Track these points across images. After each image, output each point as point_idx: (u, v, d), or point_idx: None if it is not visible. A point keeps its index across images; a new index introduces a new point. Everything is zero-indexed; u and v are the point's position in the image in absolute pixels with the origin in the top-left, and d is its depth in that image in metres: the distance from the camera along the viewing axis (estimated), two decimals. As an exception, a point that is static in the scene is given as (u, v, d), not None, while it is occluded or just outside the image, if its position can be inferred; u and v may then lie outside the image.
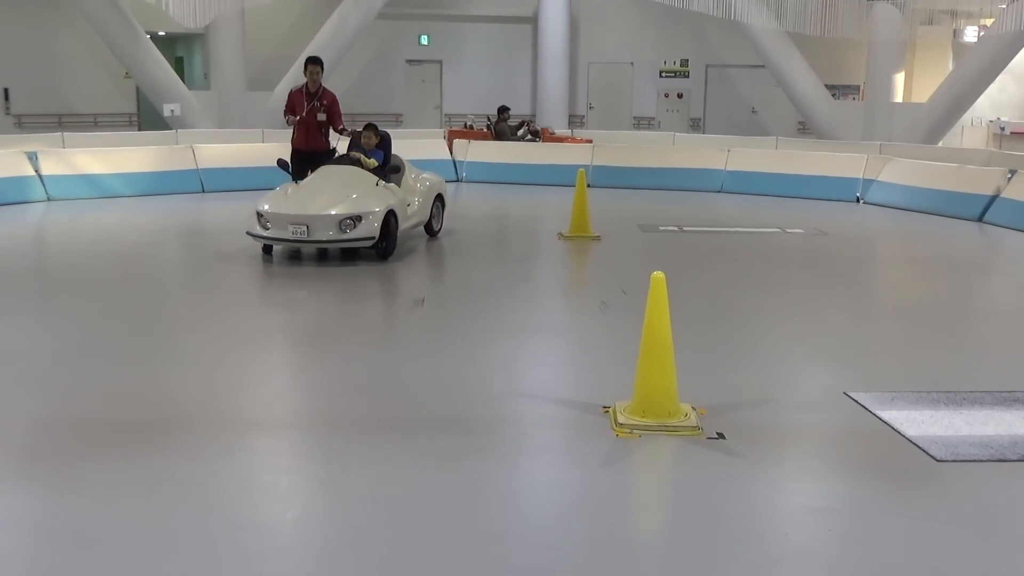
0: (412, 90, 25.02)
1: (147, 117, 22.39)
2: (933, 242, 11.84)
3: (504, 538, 3.91)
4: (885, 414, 5.27)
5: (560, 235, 11.11)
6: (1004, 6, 19.30)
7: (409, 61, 24.99)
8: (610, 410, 5.22)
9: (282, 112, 10.78)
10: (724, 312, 7.81)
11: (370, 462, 4.62)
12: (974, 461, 4.71)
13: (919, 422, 5.16)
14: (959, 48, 24.74)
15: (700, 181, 16.13)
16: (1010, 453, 4.77)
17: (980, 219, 13.11)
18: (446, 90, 25.16)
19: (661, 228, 12.09)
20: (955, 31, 25.22)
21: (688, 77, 25.93)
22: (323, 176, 9.92)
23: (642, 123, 25.62)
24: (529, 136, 18.46)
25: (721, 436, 4.95)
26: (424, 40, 24.90)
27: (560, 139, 18.96)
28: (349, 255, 9.53)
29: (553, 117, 23.33)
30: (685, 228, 12.15)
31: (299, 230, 9.11)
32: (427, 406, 5.46)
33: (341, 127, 10.75)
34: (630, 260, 8.44)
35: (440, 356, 6.47)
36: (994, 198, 13.16)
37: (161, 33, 22.38)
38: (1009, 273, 10.66)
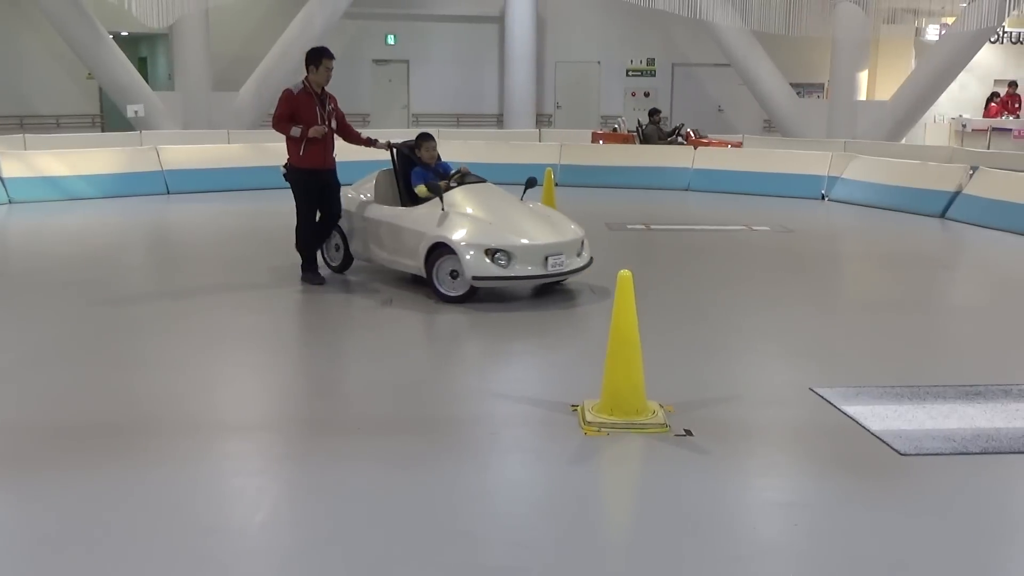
0: (379, 90, 24.95)
1: (110, 118, 22.16)
2: (896, 238, 11.97)
3: (473, 537, 3.91)
4: (850, 409, 5.33)
5: (528, 234, 11.10)
6: (965, 5, 19.56)
7: (376, 61, 24.92)
8: (578, 408, 5.23)
9: (273, 119, 8.26)
10: (691, 309, 7.86)
11: (338, 463, 4.60)
12: (937, 454, 4.76)
13: (883, 417, 5.21)
14: (921, 46, 25.04)
15: (667, 179, 16.20)
16: (972, 446, 4.84)
17: (942, 215, 13.28)
18: (413, 90, 25.11)
19: (628, 226, 12.13)
20: (917, 29, 25.53)
21: (655, 76, 26.06)
22: (477, 196, 8.11)
23: (609, 121, 25.70)
24: (680, 140, 17.60)
25: (689, 433, 4.98)
26: (391, 40, 24.84)
27: (708, 143, 17.77)
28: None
29: (520, 116, 23.36)
30: (652, 226, 12.20)
31: (558, 261, 7.74)
32: (395, 406, 5.45)
33: (368, 138, 8.67)
34: (597, 258, 8.45)
35: (408, 356, 6.45)
36: (956, 194, 13.32)
37: (124, 33, 22.15)
38: (971, 269, 10.80)
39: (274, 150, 15.88)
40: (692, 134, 18.08)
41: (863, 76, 21.93)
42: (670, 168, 16.41)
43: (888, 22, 24.71)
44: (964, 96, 24.59)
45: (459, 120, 24.35)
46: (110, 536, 3.85)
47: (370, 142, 8.61)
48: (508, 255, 7.50)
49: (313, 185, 8.28)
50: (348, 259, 8.86)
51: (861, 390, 5.68)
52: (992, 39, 23.94)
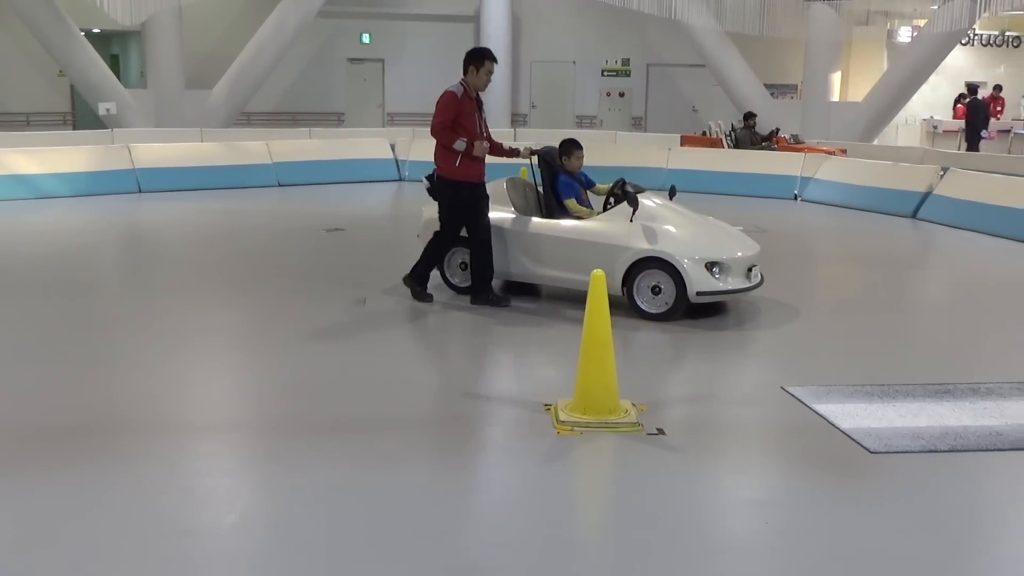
0: (354, 89, 24.89)
1: (82, 116, 21.99)
2: (868, 238, 12.07)
3: (447, 537, 3.91)
4: (821, 407, 5.37)
5: (503, 234, 11.10)
6: (936, 7, 19.75)
7: (351, 60, 24.86)
8: (551, 408, 5.24)
9: (434, 124, 7.42)
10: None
11: (311, 464, 4.59)
12: (906, 452, 4.81)
13: (854, 415, 5.26)
14: (893, 48, 25.28)
15: (642, 179, 16.02)
16: (940, 444, 4.89)
17: (914, 215, 13.40)
18: (388, 89, 25.07)
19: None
20: (889, 31, 25.79)
21: (630, 76, 26.15)
22: (661, 208, 7.66)
23: (584, 122, 25.77)
24: (773, 146, 17.10)
25: (661, 432, 5.00)
26: (366, 39, 24.79)
27: (797, 148, 17.12)
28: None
29: (495, 116, 23.31)
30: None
31: (757, 272, 7.56)
32: (369, 406, 5.44)
33: (510, 147, 7.92)
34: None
35: (383, 355, 6.44)
36: (927, 195, 13.46)
37: (96, 30, 21.99)
38: (940, 268, 10.91)
39: (247, 150, 15.89)
40: (786, 139, 17.50)
41: (836, 77, 22.13)
42: (645, 168, 16.44)
43: (861, 24, 24.96)
44: (935, 97, 24.86)
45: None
46: (78, 537, 3.82)
47: (512, 152, 7.89)
48: (724, 268, 7.22)
49: (468, 200, 7.54)
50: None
51: (832, 389, 5.72)
52: (963, 41, 24.22)
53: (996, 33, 26.51)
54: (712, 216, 8.16)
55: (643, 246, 7.22)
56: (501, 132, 20.50)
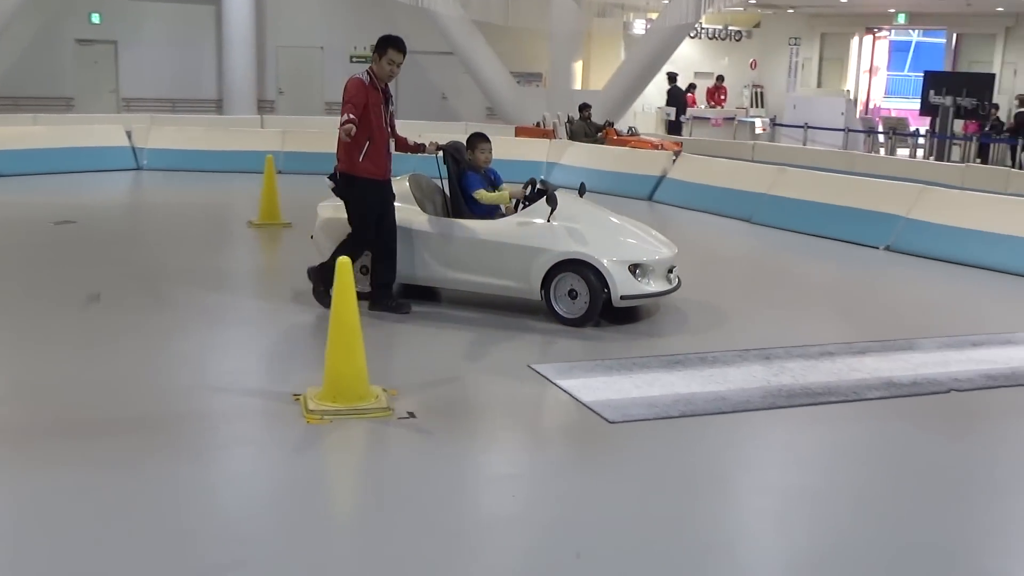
0: (84, 72, 23.25)
1: None
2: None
3: (194, 536, 3.77)
4: (564, 383, 5.59)
5: (249, 223, 10.80)
6: (667, 1, 20.95)
7: (79, 41, 23.22)
8: (301, 398, 5.15)
9: (344, 107, 6.76)
10: (425, 292, 7.90)
11: (39, 470, 4.26)
12: (642, 420, 5.10)
13: (594, 388, 5.51)
14: (630, 40, 26.61)
15: (393, 164, 16.21)
16: (672, 410, 5.22)
17: (650, 198, 14.18)
18: (123, 73, 23.62)
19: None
20: (625, 24, 27.12)
21: (379, 63, 26.02)
22: (575, 206, 7.30)
23: (334, 108, 25.41)
24: (601, 139, 16.77)
25: (412, 415, 5.03)
26: (96, 19, 23.22)
27: (626, 141, 16.85)
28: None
29: (241, 102, 22.62)
30: (379, 213, 12.19)
31: (676, 274, 7.26)
32: (105, 407, 5.12)
33: (415, 143, 7.45)
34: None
35: (120, 353, 6.09)
36: (661, 178, 14.28)
37: None
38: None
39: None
40: (616, 132, 17.58)
41: (578, 67, 22.98)
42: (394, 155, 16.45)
43: (600, 16, 26.10)
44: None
45: (175, 105, 23.20)
46: None
47: (418, 147, 7.40)
48: (646, 270, 6.88)
49: (374, 199, 6.94)
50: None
51: (575, 365, 5.97)
52: (691, 35, 25.86)
53: (720, 28, 28.50)
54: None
55: (563, 248, 6.79)
56: (246, 119, 19.91)
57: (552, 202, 6.86)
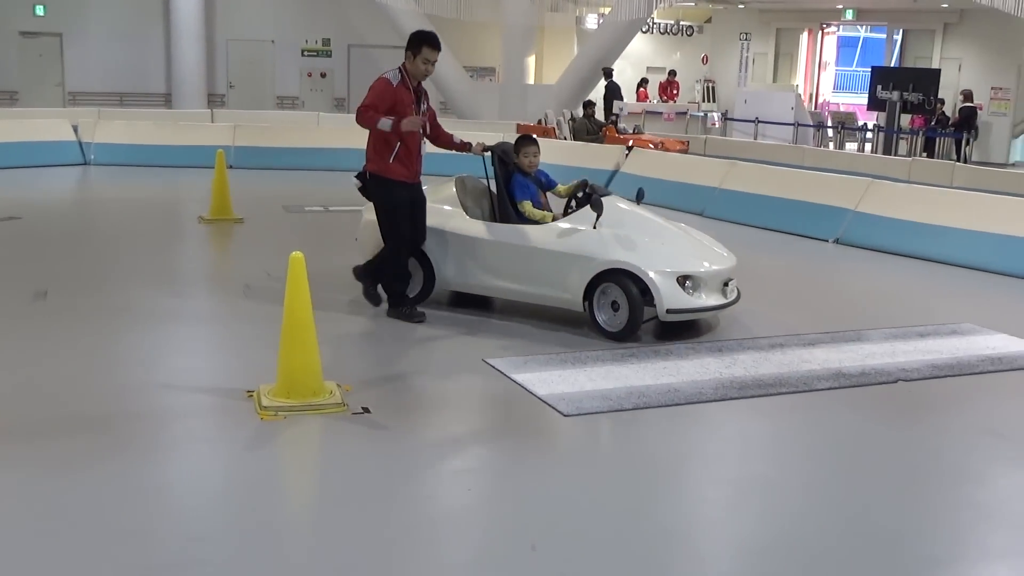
0: (28, 66, 22.84)
1: None
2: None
3: (146, 536, 3.72)
4: (519, 377, 5.60)
5: (200, 218, 10.68)
6: (618, -4, 21.05)
7: (23, 33, 22.79)
8: (254, 394, 5.11)
9: (359, 108, 6.59)
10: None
11: (-16, 472, 4.19)
12: (596, 413, 5.13)
13: (549, 382, 5.53)
14: (583, 34, 26.70)
15: (346, 161, 16.10)
16: (626, 403, 5.26)
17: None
18: (68, 66, 23.24)
19: (307, 208, 11.99)
20: (578, 18, 27.19)
21: (331, 56, 25.85)
22: (628, 214, 6.91)
23: (286, 102, 25.21)
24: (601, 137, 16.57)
25: (366, 410, 5.02)
26: (40, 11, 22.80)
27: (623, 140, 16.55)
28: None
29: (190, 96, 22.36)
30: (331, 208, 12.12)
31: (733, 287, 6.81)
32: (52, 407, 5.03)
33: (461, 140, 7.16)
34: (274, 242, 8.30)
35: (68, 352, 5.98)
36: (615, 173, 14.35)
37: None
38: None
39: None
40: (616, 130, 17.47)
41: (531, 61, 23.04)
42: (348, 149, 16.31)
43: (552, 10, 26.14)
44: (621, 81, 26.46)
45: (123, 99, 22.86)
46: None
47: (464, 146, 7.07)
48: (698, 282, 6.47)
49: (404, 201, 6.65)
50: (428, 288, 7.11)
51: (529, 359, 5.98)
52: (643, 29, 26.01)
53: (672, 23, 28.69)
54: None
55: (608, 256, 6.40)
56: (197, 113, 19.67)
57: (597, 207, 6.46)
